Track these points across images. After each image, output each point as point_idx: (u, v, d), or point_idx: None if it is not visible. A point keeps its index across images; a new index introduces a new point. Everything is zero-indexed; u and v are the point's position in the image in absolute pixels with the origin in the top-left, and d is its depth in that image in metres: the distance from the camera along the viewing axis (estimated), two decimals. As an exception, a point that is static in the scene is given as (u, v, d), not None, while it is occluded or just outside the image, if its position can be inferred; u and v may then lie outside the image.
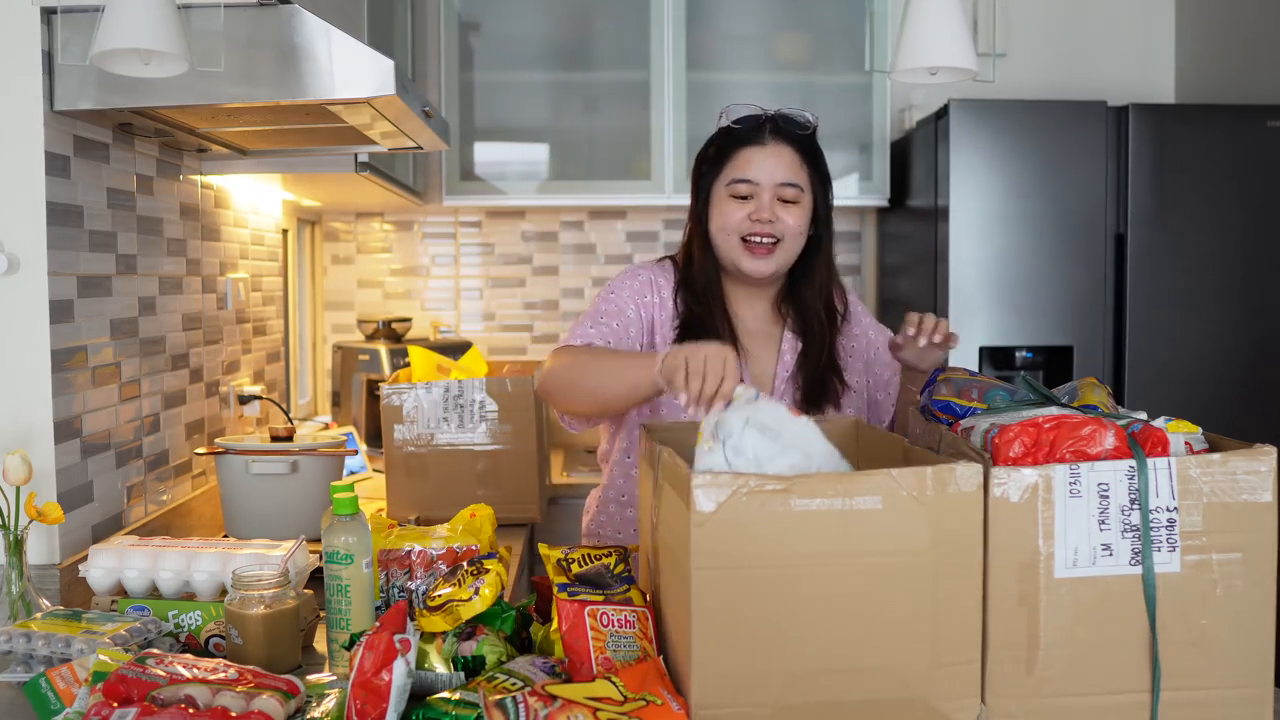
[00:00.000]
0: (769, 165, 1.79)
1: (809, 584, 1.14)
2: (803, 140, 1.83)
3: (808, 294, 1.87)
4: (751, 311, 1.90)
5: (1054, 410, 1.26)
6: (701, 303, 1.85)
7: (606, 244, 3.92)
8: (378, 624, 1.22)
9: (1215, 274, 3.15)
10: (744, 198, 1.79)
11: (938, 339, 1.71)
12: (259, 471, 2.21)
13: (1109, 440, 1.17)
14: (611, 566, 1.44)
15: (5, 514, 1.60)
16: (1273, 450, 1.17)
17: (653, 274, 1.90)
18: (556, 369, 1.76)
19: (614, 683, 1.13)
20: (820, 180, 1.85)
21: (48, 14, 1.81)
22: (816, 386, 1.84)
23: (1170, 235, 3.14)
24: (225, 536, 2.26)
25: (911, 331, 1.70)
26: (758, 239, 1.79)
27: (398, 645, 1.15)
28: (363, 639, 1.19)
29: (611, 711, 1.09)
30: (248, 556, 1.65)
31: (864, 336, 1.96)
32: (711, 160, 1.85)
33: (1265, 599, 1.18)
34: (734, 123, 1.83)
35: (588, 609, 1.29)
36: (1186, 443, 1.21)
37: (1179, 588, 1.16)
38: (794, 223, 1.80)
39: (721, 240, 1.82)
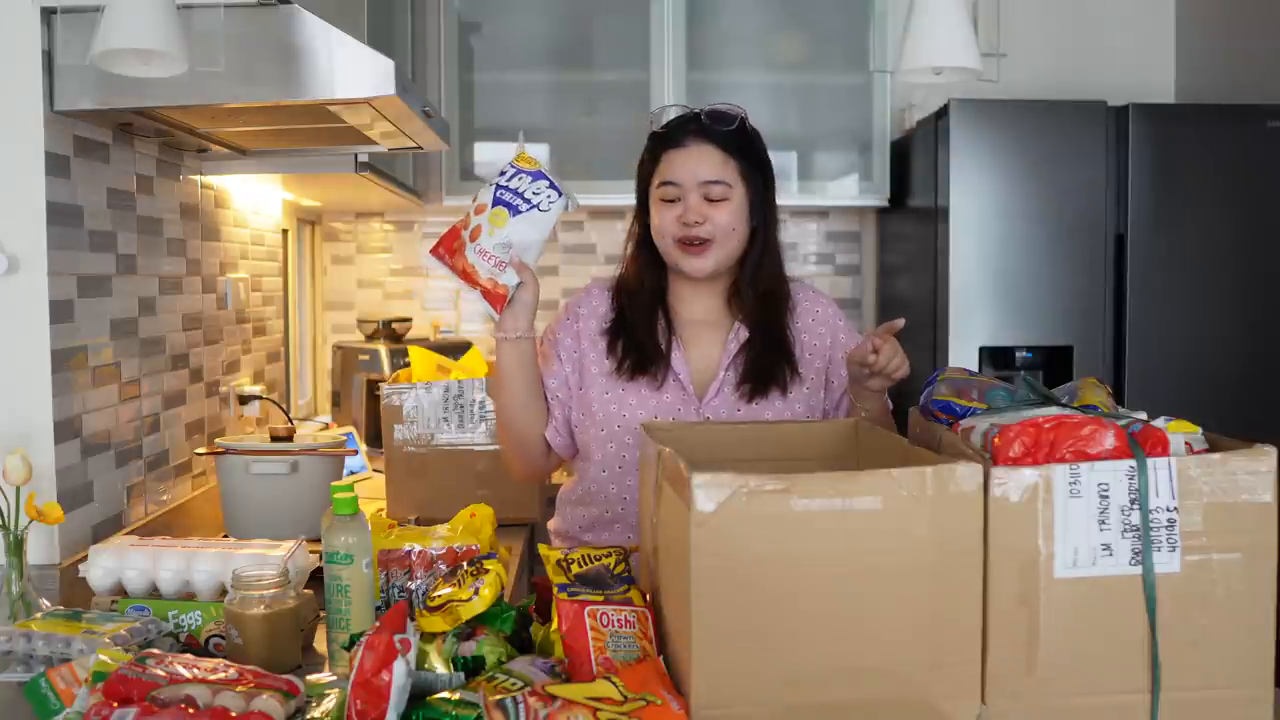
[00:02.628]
0: (690, 166, 1.80)
1: (809, 584, 1.14)
2: (727, 136, 1.82)
3: (746, 283, 1.88)
4: (701, 304, 1.90)
5: (1054, 410, 1.26)
6: (634, 299, 1.89)
7: (606, 244, 3.92)
8: (378, 624, 1.22)
9: (1215, 274, 3.15)
10: (672, 200, 1.81)
11: (898, 375, 1.68)
12: (259, 471, 2.21)
13: (1109, 440, 1.17)
14: (611, 566, 1.44)
15: (5, 514, 1.60)
16: (1273, 450, 1.17)
17: (580, 297, 1.97)
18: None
19: (614, 683, 1.13)
20: (756, 170, 1.85)
21: (48, 14, 1.81)
22: (759, 372, 1.83)
23: (1170, 235, 3.14)
24: (225, 536, 2.26)
25: (872, 359, 1.65)
26: (687, 241, 1.81)
27: (398, 645, 1.15)
28: (363, 639, 1.19)
29: (611, 711, 1.09)
30: (248, 556, 1.65)
31: (830, 336, 1.92)
32: (645, 164, 1.88)
33: (1265, 599, 1.18)
34: (660, 126, 1.86)
35: (588, 609, 1.28)
36: (1186, 443, 1.21)
37: (1179, 588, 1.16)
38: (724, 220, 1.81)
39: (659, 243, 1.85)
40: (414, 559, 1.64)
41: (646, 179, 1.88)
